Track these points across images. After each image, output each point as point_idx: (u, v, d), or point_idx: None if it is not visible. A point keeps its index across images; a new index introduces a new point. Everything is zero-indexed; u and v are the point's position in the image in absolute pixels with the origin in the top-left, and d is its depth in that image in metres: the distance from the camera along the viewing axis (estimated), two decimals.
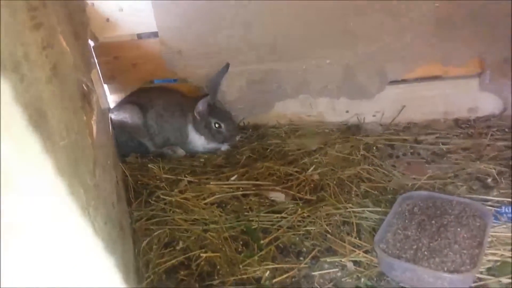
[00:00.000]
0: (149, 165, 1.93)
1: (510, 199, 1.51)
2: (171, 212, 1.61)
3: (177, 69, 2.18)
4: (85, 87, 1.42)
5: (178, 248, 1.44)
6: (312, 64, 2.11)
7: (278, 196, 1.69)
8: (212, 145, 2.06)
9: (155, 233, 1.50)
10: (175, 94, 2.16)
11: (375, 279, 1.28)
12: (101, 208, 1.10)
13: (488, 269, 1.26)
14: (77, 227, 0.83)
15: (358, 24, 2.00)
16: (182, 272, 1.34)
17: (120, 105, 2.14)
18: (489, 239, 1.33)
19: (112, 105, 2.20)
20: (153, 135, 2.08)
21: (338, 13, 1.99)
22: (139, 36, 2.17)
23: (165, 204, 1.66)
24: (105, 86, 2.21)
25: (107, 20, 2.09)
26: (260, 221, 1.54)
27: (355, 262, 1.34)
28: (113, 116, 2.05)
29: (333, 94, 2.17)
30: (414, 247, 1.30)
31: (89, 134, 1.24)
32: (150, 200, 1.69)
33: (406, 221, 1.42)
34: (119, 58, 2.18)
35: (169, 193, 1.71)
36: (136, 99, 2.13)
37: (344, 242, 1.41)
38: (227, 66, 2.08)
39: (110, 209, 1.26)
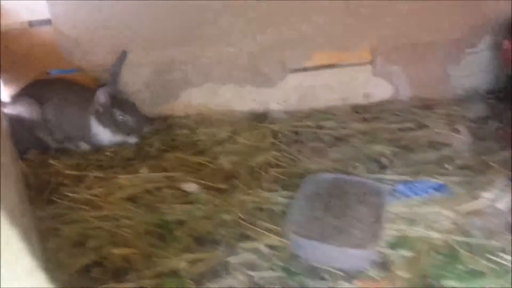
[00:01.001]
0: (50, 161, 1.82)
1: (404, 177, 1.66)
2: (78, 209, 1.54)
3: (74, 58, 2.06)
4: None
5: (89, 246, 1.38)
6: (216, 52, 2.11)
7: (190, 186, 1.68)
8: (119, 138, 1.99)
9: (63, 232, 1.43)
10: (74, 85, 2.04)
11: (288, 260, 1.34)
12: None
13: (389, 244, 1.37)
14: None
15: (257, 11, 2.04)
16: (95, 271, 1.30)
17: (15, 98, 1.98)
18: (388, 215, 1.45)
19: (6, 99, 2.03)
20: (53, 129, 1.95)
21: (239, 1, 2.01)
22: (31, 24, 2.01)
23: (70, 201, 1.58)
24: None
25: None
26: (174, 213, 1.54)
27: (269, 246, 1.40)
28: (7, 110, 1.89)
29: (239, 82, 2.20)
30: (321, 226, 1.40)
31: None
32: (54, 198, 1.60)
33: (313, 202, 1.51)
34: (9, 48, 2.00)
35: (74, 190, 1.64)
36: (32, 91, 1.98)
37: (258, 227, 1.46)
38: (124, 53, 2.01)
39: (10, 210, 1.17)
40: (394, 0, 2.04)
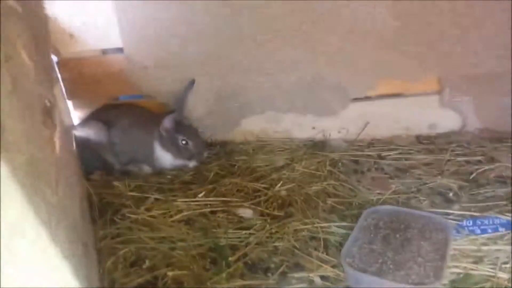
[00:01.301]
0: (114, 183, 1.89)
1: (471, 213, 1.56)
2: (137, 230, 1.58)
3: (143, 85, 2.16)
4: (47, 102, 1.39)
5: (144, 266, 1.41)
6: (277, 80, 2.14)
7: (246, 212, 1.69)
8: (179, 162, 2.04)
9: (121, 252, 1.46)
10: (141, 110, 2.14)
11: None
12: (63, 226, 1.07)
13: (451, 282, 1.30)
14: (39, 245, 0.81)
15: (319, 40, 2.04)
16: None
17: (84, 122, 2.10)
18: (452, 252, 1.37)
19: (76, 121, 2.16)
20: (118, 152, 2.04)
21: (302, 29, 2.02)
22: (104, 52, 2.14)
23: (131, 222, 1.63)
24: (69, 102, 2.17)
25: (71, 35, 2.06)
26: (228, 237, 1.54)
27: (323, 277, 1.35)
28: (77, 132, 2.01)
29: (299, 111, 2.20)
30: (380, 260, 1.33)
31: (51, 150, 1.21)
32: (115, 218, 1.65)
33: (372, 235, 1.45)
34: (83, 74, 2.14)
35: (135, 211, 1.68)
36: (100, 115, 2.09)
37: (312, 257, 1.42)
38: (192, 82, 2.08)
39: (73, 227, 1.23)
40: (463, 28, 1.97)
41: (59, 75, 2.07)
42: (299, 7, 1.97)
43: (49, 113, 1.37)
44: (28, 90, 1.09)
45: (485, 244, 1.42)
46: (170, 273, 1.36)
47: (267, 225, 1.59)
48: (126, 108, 2.15)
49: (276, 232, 1.55)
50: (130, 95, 2.24)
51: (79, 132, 2.02)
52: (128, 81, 2.15)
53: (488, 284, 1.26)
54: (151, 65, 2.12)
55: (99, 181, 1.95)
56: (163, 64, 2.12)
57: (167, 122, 1.96)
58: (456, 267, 1.34)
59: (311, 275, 1.35)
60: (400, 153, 2.03)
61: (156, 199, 1.77)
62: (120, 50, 2.11)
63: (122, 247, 1.49)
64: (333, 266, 1.38)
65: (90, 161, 2.01)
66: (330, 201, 1.71)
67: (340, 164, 1.98)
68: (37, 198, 0.86)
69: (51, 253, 0.83)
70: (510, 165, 1.82)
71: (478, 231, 1.48)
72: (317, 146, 2.16)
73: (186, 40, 2.07)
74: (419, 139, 2.15)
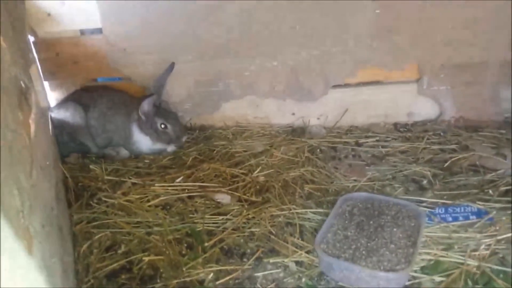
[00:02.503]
0: (90, 166, 1.88)
1: (443, 201, 1.60)
2: (113, 214, 1.58)
3: (122, 67, 2.13)
4: (22, 84, 1.36)
5: (119, 251, 1.41)
6: (259, 65, 2.13)
7: (223, 198, 1.69)
8: (158, 146, 2.03)
9: (96, 237, 1.46)
10: (119, 93, 2.11)
11: (315, 278, 1.32)
12: (38, 210, 1.06)
13: (422, 268, 1.33)
14: (9, 230, 0.80)
15: (303, 27, 2.04)
16: (123, 276, 1.32)
17: (61, 104, 2.07)
18: (423, 239, 1.40)
19: (53, 103, 2.12)
20: (96, 135, 2.02)
21: (285, 15, 2.02)
22: (82, 32, 2.10)
23: (107, 206, 1.62)
24: (46, 83, 2.12)
25: (48, 14, 2.01)
26: (205, 223, 1.54)
27: (297, 263, 1.38)
28: (53, 114, 1.98)
29: (280, 96, 2.20)
30: (353, 247, 1.36)
31: (26, 133, 1.19)
32: (91, 202, 1.65)
33: (346, 221, 1.47)
34: (61, 55, 2.10)
35: (111, 195, 1.68)
36: (78, 97, 2.06)
37: (287, 243, 1.44)
38: (172, 65, 2.05)
39: (48, 211, 1.22)
40: (443, 17, 1.98)
41: (36, 56, 2.03)
42: None
43: (24, 95, 1.35)
44: (2, 72, 1.07)
45: (455, 232, 1.45)
46: (145, 258, 1.36)
47: (244, 211, 1.60)
48: (104, 90, 2.12)
49: (253, 217, 1.57)
50: (109, 77, 2.21)
51: (55, 115, 1.99)
52: (106, 63, 2.12)
53: (457, 271, 1.29)
54: (130, 47, 2.09)
55: (76, 165, 1.93)
56: (143, 46, 2.09)
57: (146, 105, 1.94)
58: (427, 253, 1.37)
59: (286, 260, 1.37)
60: (377, 141, 2.05)
61: (133, 184, 1.77)
62: (99, 30, 2.07)
63: (98, 232, 1.49)
64: (308, 252, 1.40)
65: (67, 144, 1.99)
66: (307, 187, 1.73)
67: (318, 150, 2.00)
68: (10, 182, 0.85)
69: (20, 236, 0.82)
70: (483, 154, 1.85)
71: (450, 219, 1.52)
72: (296, 132, 2.17)
73: (167, 23, 2.04)
74: (396, 126, 2.17)
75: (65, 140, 1.97)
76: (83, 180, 1.78)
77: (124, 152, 2.03)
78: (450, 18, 1.99)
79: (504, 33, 1.99)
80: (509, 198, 1.57)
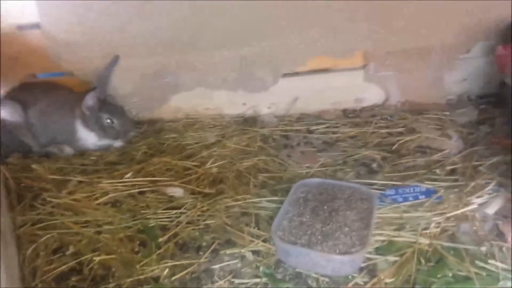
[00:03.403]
0: (33, 166, 1.78)
1: (393, 182, 1.64)
2: (59, 215, 1.50)
3: (63, 62, 2.03)
4: None
5: (68, 253, 1.34)
6: (208, 56, 2.09)
7: (176, 191, 1.65)
8: (104, 142, 1.95)
9: (42, 239, 1.39)
10: (60, 89, 2.01)
11: (273, 266, 1.31)
12: None
13: (376, 249, 1.35)
14: None
15: (250, 16, 2.02)
16: (73, 278, 1.26)
17: None
18: (376, 221, 1.42)
19: None
20: (37, 133, 1.92)
21: (231, 5, 1.99)
22: (20, 27, 1.98)
23: (52, 207, 1.54)
24: None
25: None
26: (158, 218, 1.50)
27: (254, 252, 1.36)
28: None
29: (230, 87, 2.17)
30: (309, 232, 1.36)
31: None
32: (35, 203, 1.56)
33: (301, 207, 1.47)
34: None
35: (56, 195, 1.60)
36: (17, 95, 1.95)
37: (243, 233, 1.42)
38: (116, 58, 1.98)
39: None
40: (387, 5, 2.02)
41: None
42: None
43: None
44: None
45: (406, 212, 1.48)
46: (96, 258, 1.30)
47: (198, 203, 1.56)
48: (45, 86, 2.02)
49: (208, 210, 1.54)
50: (49, 72, 2.09)
51: None
52: (46, 58, 2.02)
53: (410, 250, 1.32)
54: (71, 41, 1.99)
55: (17, 165, 1.82)
56: (84, 39, 2.00)
57: (89, 100, 1.86)
58: (380, 234, 1.39)
59: (242, 250, 1.35)
60: (327, 127, 2.07)
61: (79, 182, 1.69)
62: (37, 25, 1.96)
63: (43, 234, 1.41)
64: (264, 241, 1.39)
65: (6, 144, 1.87)
66: (261, 176, 1.72)
67: (270, 139, 2.00)
68: None
69: None
70: (429, 135, 1.91)
71: (400, 200, 1.55)
72: (248, 122, 2.16)
73: (108, 14, 1.96)
74: (345, 113, 2.20)
75: (5, 139, 1.86)
76: (25, 181, 1.69)
77: (68, 150, 1.94)
78: (394, 5, 2.03)
79: (446, 17, 2.06)
80: (456, 177, 1.63)
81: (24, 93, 1.95)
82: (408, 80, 2.19)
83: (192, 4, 1.97)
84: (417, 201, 1.54)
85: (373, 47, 2.12)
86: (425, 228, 1.40)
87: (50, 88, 2.01)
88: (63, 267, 1.29)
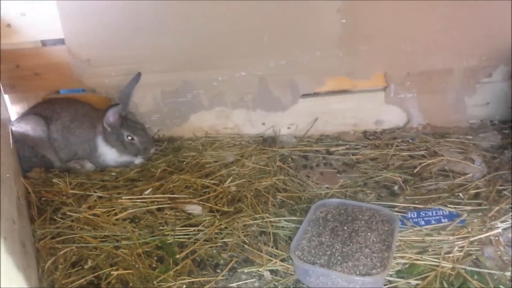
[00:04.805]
0: (54, 180, 1.80)
1: (415, 205, 1.60)
2: (78, 229, 1.51)
3: (85, 78, 2.07)
4: None
5: (86, 267, 1.34)
6: (228, 75, 2.11)
7: (194, 208, 1.65)
8: (125, 159, 1.97)
9: (61, 252, 1.39)
10: (82, 105, 2.04)
11: (291, 286, 1.28)
12: None
13: (398, 272, 1.32)
14: None
15: (270, 37, 2.04)
16: None
17: (22, 117, 1.98)
18: (397, 243, 1.40)
19: (14, 116, 2.03)
20: (59, 148, 1.94)
21: (252, 25, 2.02)
22: (44, 43, 2.03)
23: (72, 221, 1.55)
24: (6, 96, 2.03)
25: (8, 25, 1.93)
26: (176, 235, 1.50)
27: (272, 271, 1.34)
28: (14, 128, 1.89)
29: (249, 106, 2.18)
30: (328, 252, 1.34)
31: None
32: (55, 217, 1.57)
33: (320, 228, 1.45)
34: (21, 67, 2.02)
35: (76, 209, 1.61)
36: (40, 110, 1.98)
37: (261, 252, 1.41)
38: (138, 75, 2.00)
39: (10, 224, 1.14)
40: (408, 27, 2.03)
41: None
42: (249, 4, 1.96)
43: None
44: None
45: (429, 235, 1.45)
46: (114, 273, 1.30)
47: (216, 221, 1.56)
48: (67, 102, 2.05)
49: (226, 228, 1.53)
50: (72, 88, 2.13)
51: (16, 128, 1.90)
52: (69, 74, 2.05)
53: (432, 273, 1.29)
54: (94, 58, 2.03)
55: (38, 179, 1.84)
56: (107, 57, 2.04)
57: (111, 116, 1.88)
58: (402, 257, 1.36)
59: (260, 269, 1.33)
60: (347, 149, 2.06)
61: (99, 197, 1.70)
62: (61, 41, 2.00)
63: (63, 247, 1.41)
64: (283, 260, 1.37)
65: (29, 158, 1.90)
66: (280, 196, 1.71)
67: (289, 159, 1.99)
68: None
69: None
70: (452, 159, 1.87)
71: (422, 223, 1.52)
72: (267, 142, 2.15)
73: (133, 32, 2.00)
74: (365, 134, 2.19)
75: (27, 154, 1.89)
76: (46, 195, 1.70)
77: (89, 165, 1.96)
78: (415, 27, 2.03)
79: (468, 40, 2.05)
80: (479, 201, 1.60)
81: (47, 109, 1.98)
82: (429, 103, 2.18)
83: (213, 23, 2.00)
84: (439, 224, 1.51)
85: (394, 69, 2.12)
86: (448, 252, 1.37)
87: (72, 104, 2.04)
88: (81, 280, 1.29)
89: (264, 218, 1.56)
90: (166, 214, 1.61)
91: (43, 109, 1.99)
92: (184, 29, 2.01)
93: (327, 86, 2.16)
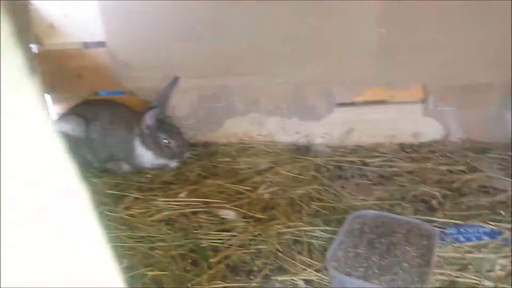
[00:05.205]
0: (92, 180, 1.83)
1: (454, 221, 1.56)
2: (115, 229, 1.52)
3: (125, 81, 2.11)
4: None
5: (122, 266, 1.35)
6: (264, 82, 2.11)
7: (228, 214, 1.65)
8: (161, 161, 1.99)
9: None
10: (121, 107, 2.08)
11: None
12: None
13: None
14: None
15: (307, 44, 2.03)
16: None
17: (62, 117, 2.04)
18: (436, 259, 1.35)
19: (54, 116, 2.09)
20: (97, 149, 1.98)
21: (290, 33, 2.02)
22: (86, 45, 2.08)
23: (108, 220, 1.57)
24: (47, 96, 2.09)
25: (51, 26, 1.99)
26: (210, 239, 1.50)
27: (306, 281, 1.32)
28: (54, 127, 1.94)
29: (284, 114, 2.18)
30: (365, 264, 1.31)
31: None
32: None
33: (357, 239, 1.42)
34: (63, 67, 2.07)
35: (113, 209, 1.63)
36: (80, 110, 2.03)
37: (295, 260, 1.39)
38: (176, 79, 2.03)
39: None
40: (448, 39, 1.99)
41: (37, 67, 2.00)
42: (288, 11, 1.96)
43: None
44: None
45: (469, 252, 1.41)
46: (149, 273, 1.31)
47: (250, 228, 1.55)
48: (106, 104, 2.10)
49: (259, 234, 1.52)
50: (111, 90, 2.18)
51: (56, 127, 1.94)
52: (109, 76, 2.10)
53: None
54: (134, 61, 2.08)
55: None
56: (146, 60, 2.08)
57: (149, 118, 1.91)
58: (441, 274, 1.32)
59: (294, 278, 1.32)
60: (383, 161, 2.02)
61: (136, 198, 1.72)
62: (102, 43, 2.05)
63: None
64: (317, 270, 1.35)
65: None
66: (314, 205, 1.69)
67: (324, 169, 1.97)
68: None
69: None
70: (493, 175, 1.82)
71: (462, 239, 1.47)
72: (301, 151, 2.13)
73: (172, 37, 2.03)
74: (402, 147, 2.14)
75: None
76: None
77: (125, 167, 1.99)
78: (456, 39, 1.99)
79: (508, 53, 1.99)
80: None
81: (87, 109, 2.03)
82: (469, 117, 2.12)
83: (252, 31, 2.02)
84: (480, 241, 1.46)
85: (433, 81, 2.07)
86: (490, 270, 1.32)
87: (111, 106, 2.08)
88: None
89: (298, 227, 1.54)
90: (200, 218, 1.62)
91: (83, 110, 2.03)
92: (223, 36, 2.03)
93: (364, 96, 2.14)
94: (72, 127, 1.96)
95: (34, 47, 1.97)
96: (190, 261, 1.40)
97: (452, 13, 1.94)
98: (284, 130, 2.21)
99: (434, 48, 2.02)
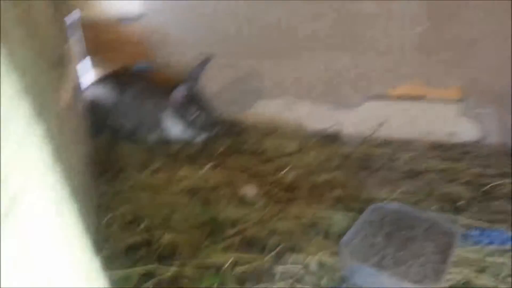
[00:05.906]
0: (119, 146, 1.88)
1: (480, 223, 1.51)
2: (138, 192, 1.56)
3: (160, 55, 2.14)
4: (60, 54, 1.38)
5: (141, 227, 1.39)
6: (298, 65, 2.10)
7: (249, 191, 1.65)
8: (188, 135, 2.01)
9: (119, 210, 1.44)
10: (153, 79, 2.12)
11: (337, 281, 1.25)
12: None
13: (451, 287, 1.25)
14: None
15: (347, 33, 2.00)
16: (142, 250, 1.29)
17: (97, 82, 2.08)
18: (455, 259, 1.32)
19: (90, 80, 2.14)
20: (127, 116, 2.02)
21: (329, 20, 1.99)
22: (121, 18, 2.12)
23: (133, 183, 1.61)
24: (87, 60, 2.15)
25: None
26: (228, 212, 1.51)
27: (319, 263, 1.32)
28: (87, 91, 1.99)
29: (315, 100, 2.16)
30: (379, 254, 1.29)
31: (56, 101, 1.19)
32: (117, 178, 1.64)
33: (375, 229, 1.41)
34: (100, 38, 2.11)
35: (137, 174, 1.67)
36: (113, 78, 2.07)
37: (311, 242, 1.38)
38: (209, 57, 2.03)
39: (80, 178, 1.21)
40: (493, 38, 1.91)
41: (81, 33, 2.05)
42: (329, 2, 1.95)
43: (60, 64, 1.35)
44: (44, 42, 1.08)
45: (490, 255, 1.36)
46: (166, 236, 1.33)
47: (269, 206, 1.55)
48: (140, 75, 2.13)
49: (278, 214, 1.52)
50: (146, 63, 2.22)
51: (90, 92, 2.00)
52: (145, 50, 2.13)
53: None
54: (170, 36, 2.10)
55: (105, 143, 1.92)
56: (183, 37, 2.10)
57: (179, 92, 1.93)
58: (458, 273, 1.29)
59: (307, 259, 1.32)
60: (414, 157, 1.97)
61: (161, 166, 1.75)
62: (138, 17, 2.09)
63: (121, 206, 1.46)
64: (331, 254, 1.34)
65: (97, 123, 1.98)
66: (336, 192, 1.67)
67: (350, 159, 1.94)
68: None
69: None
70: None
71: (485, 242, 1.43)
72: (329, 138, 2.11)
73: (208, 16, 2.04)
74: (434, 145, 2.09)
75: (96, 118, 1.96)
76: (111, 158, 1.78)
77: (153, 138, 2.02)
78: (499, 40, 1.91)
79: None
80: None
81: (120, 78, 2.07)
82: (506, 121, 2.04)
83: (290, 16, 2.00)
84: (503, 247, 1.41)
85: (472, 81, 2.01)
86: (508, 275, 1.28)
87: (144, 77, 2.11)
88: (135, 237, 1.33)
89: (317, 211, 1.53)
90: (221, 192, 1.63)
91: (116, 78, 2.07)
92: (257, 18, 2.02)
93: (399, 90, 2.09)
94: (104, 93, 2.00)
95: (76, 15, 2.02)
96: (207, 232, 1.42)
97: (496, 14, 1.87)
98: (314, 116, 2.19)
99: (476, 48, 1.95)
